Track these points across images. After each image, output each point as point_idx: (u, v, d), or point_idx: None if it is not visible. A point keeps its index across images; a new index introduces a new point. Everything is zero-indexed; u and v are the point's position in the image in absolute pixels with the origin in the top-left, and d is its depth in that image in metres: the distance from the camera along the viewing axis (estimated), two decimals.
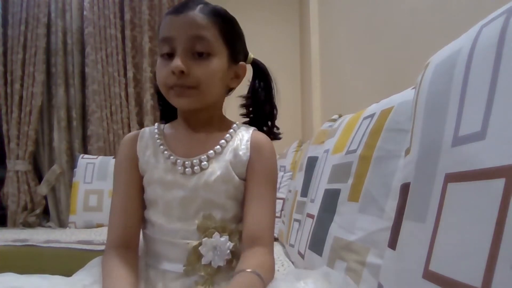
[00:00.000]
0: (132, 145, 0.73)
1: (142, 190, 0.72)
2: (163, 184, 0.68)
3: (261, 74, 0.78)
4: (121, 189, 0.71)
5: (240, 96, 0.78)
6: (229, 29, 0.70)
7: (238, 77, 0.74)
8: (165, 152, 0.70)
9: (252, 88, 0.77)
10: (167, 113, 0.79)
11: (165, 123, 0.78)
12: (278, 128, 0.79)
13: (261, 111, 0.78)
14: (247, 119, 0.79)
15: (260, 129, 0.77)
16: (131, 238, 0.70)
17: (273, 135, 0.78)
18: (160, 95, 0.75)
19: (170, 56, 0.66)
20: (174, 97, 0.67)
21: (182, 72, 0.64)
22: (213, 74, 0.67)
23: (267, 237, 0.66)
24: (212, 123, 0.73)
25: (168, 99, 0.70)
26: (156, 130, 0.74)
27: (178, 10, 0.67)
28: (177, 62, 0.64)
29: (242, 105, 0.78)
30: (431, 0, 1.07)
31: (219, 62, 0.68)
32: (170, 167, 0.68)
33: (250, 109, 0.78)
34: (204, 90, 0.67)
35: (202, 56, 0.66)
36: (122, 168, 0.72)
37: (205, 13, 0.66)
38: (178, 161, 0.68)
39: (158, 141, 0.72)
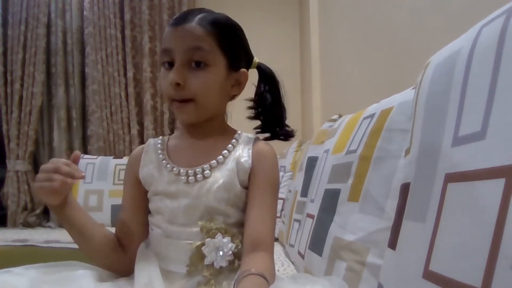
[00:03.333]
0: (135, 162, 0.76)
1: (145, 201, 0.75)
2: (168, 195, 0.70)
3: (267, 77, 0.78)
4: (126, 201, 0.76)
5: (247, 99, 0.78)
6: (227, 38, 0.69)
7: (240, 84, 0.74)
8: (168, 165, 0.71)
9: (258, 92, 0.78)
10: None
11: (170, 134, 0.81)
12: (289, 127, 0.79)
13: (270, 114, 0.78)
14: (257, 120, 0.79)
15: (272, 130, 0.77)
16: (128, 242, 0.73)
17: (286, 135, 0.78)
18: None
19: (170, 65, 0.68)
20: (175, 110, 0.70)
21: (178, 84, 0.66)
22: (209, 85, 0.68)
23: (268, 242, 0.67)
24: (215, 133, 0.74)
25: (173, 111, 0.72)
26: (159, 145, 0.76)
27: (177, 22, 0.68)
28: (172, 75, 0.66)
29: (249, 107, 0.78)
30: (431, 0, 1.07)
31: (216, 72, 0.68)
32: (173, 178, 0.70)
33: (259, 109, 0.78)
34: (201, 102, 0.68)
35: (199, 66, 0.67)
36: (127, 183, 0.77)
37: (203, 24, 0.67)
38: (181, 171, 0.70)
39: (161, 156, 0.73)
